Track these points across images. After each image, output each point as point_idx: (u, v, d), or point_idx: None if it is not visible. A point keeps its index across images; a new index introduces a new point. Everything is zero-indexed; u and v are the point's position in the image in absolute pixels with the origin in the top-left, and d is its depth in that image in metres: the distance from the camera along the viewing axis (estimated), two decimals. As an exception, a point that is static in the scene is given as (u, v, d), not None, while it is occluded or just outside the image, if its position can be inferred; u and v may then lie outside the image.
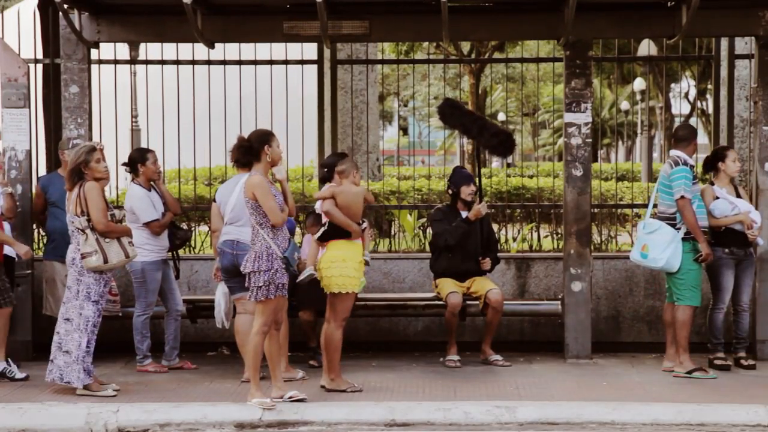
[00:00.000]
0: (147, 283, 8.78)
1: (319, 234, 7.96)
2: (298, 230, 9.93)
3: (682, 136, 8.81)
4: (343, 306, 7.92)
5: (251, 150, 7.51)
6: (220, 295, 8.51)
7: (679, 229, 8.53)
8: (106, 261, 7.77)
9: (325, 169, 8.41)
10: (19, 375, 8.44)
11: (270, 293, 7.34)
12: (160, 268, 8.87)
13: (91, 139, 9.32)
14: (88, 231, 7.76)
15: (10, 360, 8.51)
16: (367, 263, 8.09)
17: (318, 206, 8.23)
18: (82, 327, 7.82)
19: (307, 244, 8.61)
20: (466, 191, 9.24)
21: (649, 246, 8.56)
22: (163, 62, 10.35)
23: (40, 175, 9.60)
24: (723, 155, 8.91)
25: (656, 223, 8.63)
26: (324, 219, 8.06)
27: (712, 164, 8.99)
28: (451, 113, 9.25)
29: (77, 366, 7.80)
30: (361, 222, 8.02)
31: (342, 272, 7.84)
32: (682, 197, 8.48)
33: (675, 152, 8.73)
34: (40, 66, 10.25)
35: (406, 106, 42.95)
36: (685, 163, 8.60)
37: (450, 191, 9.35)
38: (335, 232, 7.92)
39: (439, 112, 9.27)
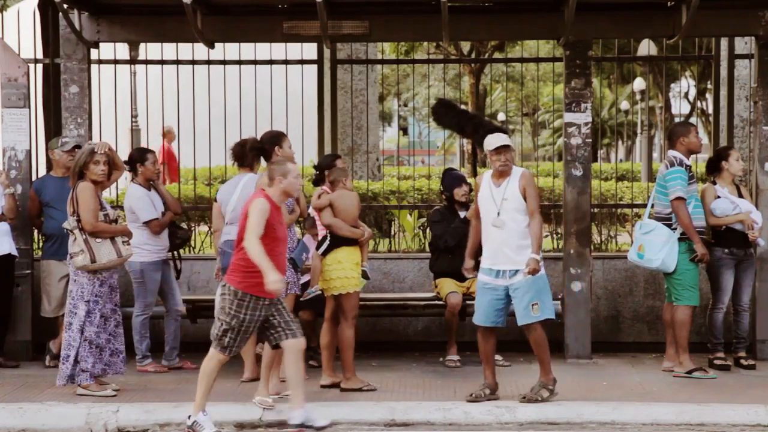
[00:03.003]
0: (146, 283, 8.79)
1: (323, 249, 7.97)
2: (297, 230, 9.93)
3: (669, 137, 8.88)
4: (349, 305, 7.97)
5: (263, 151, 7.60)
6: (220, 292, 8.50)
7: (675, 229, 8.54)
8: (93, 261, 7.76)
9: (317, 171, 8.43)
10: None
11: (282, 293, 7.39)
12: (160, 268, 8.88)
13: (91, 139, 9.32)
14: (76, 231, 7.78)
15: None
16: (366, 276, 8.11)
17: (311, 211, 8.27)
18: (75, 327, 7.82)
19: (308, 243, 8.62)
20: (459, 192, 9.24)
21: (645, 246, 8.57)
22: (163, 62, 10.35)
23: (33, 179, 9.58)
24: (726, 155, 8.91)
25: (652, 223, 8.64)
26: (321, 229, 8.10)
27: (714, 164, 8.99)
28: (446, 113, 9.29)
29: (75, 365, 7.80)
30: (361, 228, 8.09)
31: (339, 274, 7.91)
32: (677, 198, 8.48)
33: (671, 153, 8.75)
34: (40, 66, 10.25)
35: (406, 106, 42.95)
36: (681, 164, 8.60)
37: (444, 195, 9.36)
38: (337, 242, 7.95)
39: (433, 113, 9.30)
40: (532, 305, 7.49)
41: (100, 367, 7.88)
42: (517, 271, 7.49)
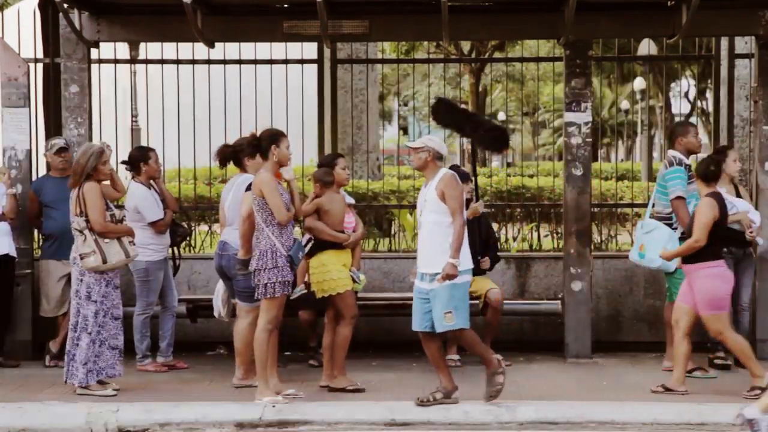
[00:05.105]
0: (150, 282, 8.79)
1: (306, 250, 7.98)
2: (297, 230, 9.93)
3: (669, 136, 8.89)
4: (344, 304, 7.97)
5: (259, 148, 7.60)
6: (221, 284, 8.47)
7: (675, 229, 8.54)
8: (104, 261, 7.76)
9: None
10: None
11: (276, 291, 7.39)
12: (163, 266, 8.89)
13: (91, 138, 9.33)
14: (86, 231, 7.77)
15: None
16: (354, 280, 8.10)
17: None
18: (80, 327, 7.81)
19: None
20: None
21: (646, 246, 8.57)
22: (163, 62, 10.35)
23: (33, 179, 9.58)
24: (723, 155, 8.91)
25: (653, 223, 8.65)
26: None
27: (712, 164, 8.99)
28: (445, 112, 9.28)
29: (80, 366, 7.78)
30: (346, 231, 8.09)
31: (324, 277, 7.96)
32: (677, 197, 8.49)
33: (671, 152, 8.76)
34: (40, 65, 10.25)
35: (406, 105, 42.96)
36: (680, 163, 8.61)
37: None
38: (322, 245, 7.96)
39: (432, 112, 9.31)
40: (445, 314, 7.36)
41: (104, 365, 7.87)
42: (435, 274, 7.36)
